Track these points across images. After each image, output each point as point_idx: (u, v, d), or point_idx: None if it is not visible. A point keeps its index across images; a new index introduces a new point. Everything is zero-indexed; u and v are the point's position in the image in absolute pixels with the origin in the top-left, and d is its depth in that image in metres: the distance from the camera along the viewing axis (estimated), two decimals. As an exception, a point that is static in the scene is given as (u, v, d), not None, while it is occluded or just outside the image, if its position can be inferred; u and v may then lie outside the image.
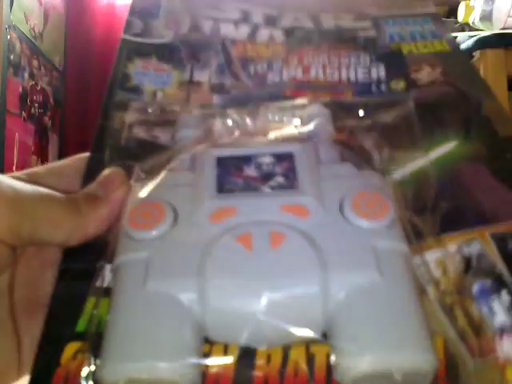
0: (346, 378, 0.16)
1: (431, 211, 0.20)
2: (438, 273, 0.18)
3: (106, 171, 0.24)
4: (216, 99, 0.27)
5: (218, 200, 0.20)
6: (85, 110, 2.30)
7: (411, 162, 0.22)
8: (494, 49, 1.34)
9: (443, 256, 0.19)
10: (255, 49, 0.30)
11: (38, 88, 2.01)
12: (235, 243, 0.18)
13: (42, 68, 2.05)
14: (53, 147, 2.19)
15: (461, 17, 1.55)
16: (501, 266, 0.18)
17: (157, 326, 0.17)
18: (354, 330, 0.16)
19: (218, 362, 0.17)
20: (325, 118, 0.24)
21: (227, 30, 0.31)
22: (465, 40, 1.40)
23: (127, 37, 0.29)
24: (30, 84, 1.94)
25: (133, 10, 0.31)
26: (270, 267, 0.17)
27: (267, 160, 0.21)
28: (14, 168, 1.80)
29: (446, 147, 0.23)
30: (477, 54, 1.35)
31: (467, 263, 0.19)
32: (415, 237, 0.19)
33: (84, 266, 0.20)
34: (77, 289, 0.19)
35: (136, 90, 0.27)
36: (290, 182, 0.20)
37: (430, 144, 0.24)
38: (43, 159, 2.07)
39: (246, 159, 0.21)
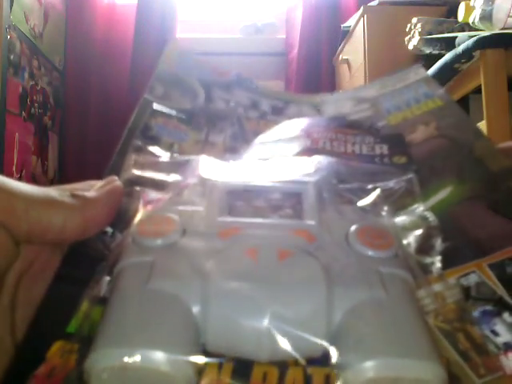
0: None
1: (431, 252, 0.21)
2: (438, 304, 0.18)
3: (104, 180, 0.24)
4: (229, 158, 0.29)
5: (228, 218, 0.20)
6: (85, 110, 2.30)
7: (410, 211, 0.23)
8: (494, 49, 1.34)
9: (442, 289, 0.19)
10: (267, 125, 0.32)
11: (38, 88, 2.01)
12: (242, 254, 0.18)
13: (42, 68, 2.05)
14: (53, 147, 2.19)
15: (461, 17, 1.55)
16: (501, 291, 0.18)
17: (155, 319, 0.17)
18: (359, 337, 0.16)
19: (213, 376, 0.16)
20: (329, 170, 0.25)
21: (239, 111, 0.34)
22: (465, 40, 1.40)
23: (150, 98, 0.32)
24: (30, 84, 1.94)
25: (157, 77, 0.34)
26: (276, 278, 0.17)
27: (276, 196, 0.22)
28: (13, 168, 1.80)
29: (443, 193, 0.24)
30: (477, 53, 1.36)
31: (466, 293, 0.19)
32: (417, 274, 0.20)
33: (81, 273, 0.20)
34: (72, 292, 0.19)
35: (155, 139, 0.29)
36: (298, 213, 0.21)
37: (427, 193, 0.24)
38: (43, 159, 2.07)
39: (257, 193, 0.22)
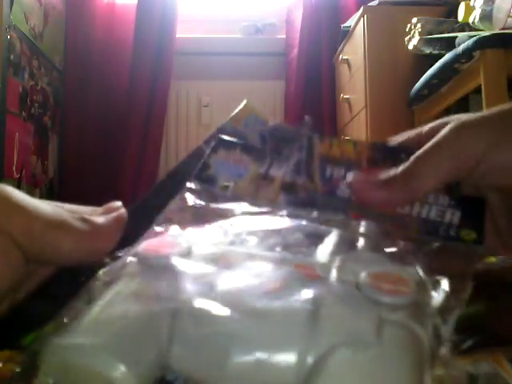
0: None
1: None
2: None
3: (109, 204, 0.25)
4: (282, 198, 0.28)
5: (232, 246, 0.21)
6: (85, 109, 2.30)
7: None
8: (494, 49, 1.34)
9: (444, 373, 0.16)
10: (340, 147, 0.29)
11: (38, 88, 2.01)
12: (229, 283, 0.18)
13: (42, 68, 2.05)
14: (53, 147, 2.19)
15: (461, 17, 1.55)
16: None
17: (125, 331, 0.17)
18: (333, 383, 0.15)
19: None
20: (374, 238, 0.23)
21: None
22: (465, 40, 1.40)
23: (205, 147, 0.31)
24: (30, 84, 1.94)
25: (220, 130, 0.33)
26: (253, 311, 0.16)
27: (296, 235, 0.22)
28: (13, 168, 1.80)
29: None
30: (477, 53, 1.36)
31: (473, 381, 0.18)
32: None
33: (62, 291, 0.20)
34: (45, 308, 0.19)
35: (211, 180, 0.28)
36: (310, 252, 0.20)
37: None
38: (43, 159, 2.07)
39: (278, 231, 0.22)
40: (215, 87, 2.39)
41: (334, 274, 0.18)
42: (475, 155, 0.24)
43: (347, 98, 2.08)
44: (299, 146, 0.29)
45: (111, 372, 0.15)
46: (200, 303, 0.17)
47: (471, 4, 1.45)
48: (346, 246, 0.20)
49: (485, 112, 0.25)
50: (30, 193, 1.94)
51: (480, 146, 0.24)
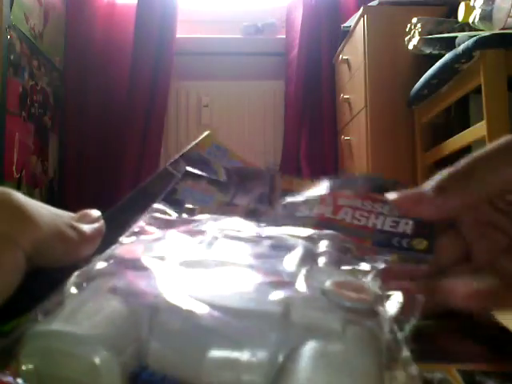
0: None
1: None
2: None
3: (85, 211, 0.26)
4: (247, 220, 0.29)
5: (205, 254, 0.22)
6: (85, 110, 2.30)
7: None
8: (494, 49, 1.34)
9: (402, 376, 0.18)
10: (301, 183, 0.32)
11: (38, 88, 2.01)
12: (204, 284, 0.19)
13: (42, 68, 2.05)
14: (53, 147, 2.19)
15: (461, 17, 1.55)
16: None
17: (106, 320, 0.17)
18: (302, 376, 0.16)
19: None
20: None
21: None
22: (465, 40, 1.40)
23: (171, 169, 0.33)
24: (30, 84, 1.94)
25: (184, 156, 0.35)
26: (228, 310, 0.17)
27: (264, 246, 0.23)
28: (13, 168, 1.80)
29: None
30: (477, 53, 1.36)
31: None
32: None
33: (38, 286, 0.21)
34: (23, 301, 0.20)
35: (178, 204, 0.30)
36: (279, 261, 0.21)
37: None
38: (43, 159, 2.07)
39: (246, 240, 0.23)
40: (215, 87, 2.39)
41: (300, 281, 0.20)
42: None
43: (347, 98, 2.08)
44: (263, 183, 0.32)
45: (95, 357, 0.16)
46: (177, 301, 0.18)
47: (471, 4, 1.45)
48: (310, 258, 0.22)
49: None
50: (30, 193, 1.94)
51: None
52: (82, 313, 0.18)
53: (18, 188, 1.83)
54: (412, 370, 0.17)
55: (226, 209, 0.30)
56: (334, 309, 0.18)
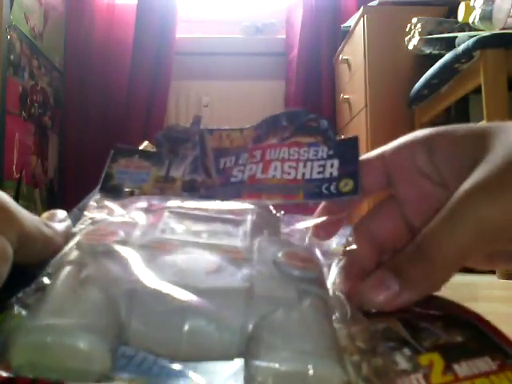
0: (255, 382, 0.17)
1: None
2: (347, 342, 0.20)
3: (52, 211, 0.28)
4: (185, 197, 0.29)
5: (164, 235, 0.23)
6: (85, 110, 2.30)
7: None
8: (494, 49, 1.34)
9: (354, 330, 0.21)
10: (229, 137, 0.31)
11: (38, 88, 2.01)
12: (172, 264, 0.20)
13: (42, 68, 2.05)
14: (53, 147, 2.19)
15: (461, 17, 1.55)
16: (404, 333, 0.22)
17: (83, 308, 0.18)
18: (270, 340, 0.18)
19: None
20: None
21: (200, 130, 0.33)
22: (465, 40, 1.40)
23: (119, 145, 0.33)
24: (30, 84, 1.94)
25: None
26: (199, 286, 0.19)
27: (216, 223, 0.24)
28: (13, 168, 1.80)
29: None
30: (477, 53, 1.36)
31: (373, 334, 0.22)
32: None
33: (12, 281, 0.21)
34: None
35: (116, 190, 0.29)
36: (232, 237, 0.23)
37: None
38: (43, 159, 2.07)
39: (197, 218, 0.24)
40: (215, 87, 2.39)
41: (255, 255, 0.22)
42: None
43: (347, 98, 2.08)
44: (193, 144, 0.31)
45: (86, 345, 0.17)
46: (153, 284, 0.19)
47: (471, 4, 1.46)
48: (257, 231, 0.24)
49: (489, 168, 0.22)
50: (30, 193, 1.94)
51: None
52: (67, 304, 0.19)
53: (18, 188, 1.83)
54: (362, 322, 0.21)
55: (163, 186, 0.30)
56: (288, 280, 0.20)
